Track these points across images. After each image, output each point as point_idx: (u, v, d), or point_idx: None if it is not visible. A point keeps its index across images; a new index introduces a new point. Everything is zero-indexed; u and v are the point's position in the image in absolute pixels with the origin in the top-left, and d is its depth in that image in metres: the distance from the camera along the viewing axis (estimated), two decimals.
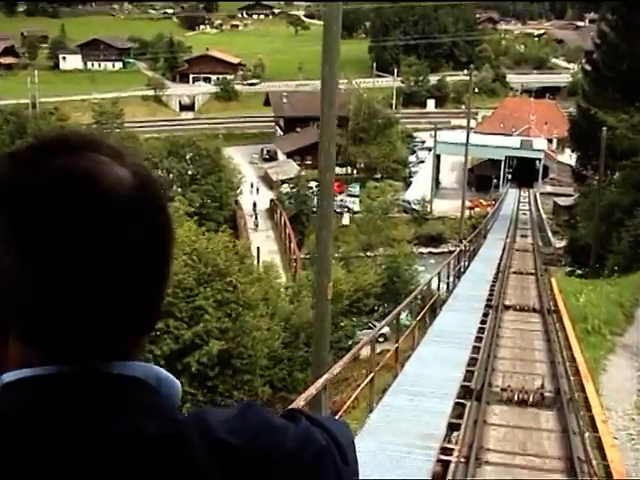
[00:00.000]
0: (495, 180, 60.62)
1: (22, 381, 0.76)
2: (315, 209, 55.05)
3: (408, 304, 15.82)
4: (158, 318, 0.85)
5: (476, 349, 12.65)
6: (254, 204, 52.30)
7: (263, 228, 49.73)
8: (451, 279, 19.78)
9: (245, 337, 19.63)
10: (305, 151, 66.44)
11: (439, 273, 18.34)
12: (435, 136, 60.28)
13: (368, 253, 40.82)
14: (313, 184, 58.78)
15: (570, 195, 53.72)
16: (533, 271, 23.34)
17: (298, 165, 62.67)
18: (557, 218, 49.87)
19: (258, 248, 39.45)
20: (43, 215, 0.74)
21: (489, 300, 17.31)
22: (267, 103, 76.44)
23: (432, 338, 13.41)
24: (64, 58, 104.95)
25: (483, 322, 14.87)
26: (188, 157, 50.23)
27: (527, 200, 54.38)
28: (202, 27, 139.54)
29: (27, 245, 0.75)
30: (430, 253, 50.62)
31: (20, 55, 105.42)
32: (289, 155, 66.30)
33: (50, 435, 0.73)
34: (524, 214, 47.36)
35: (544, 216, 45.11)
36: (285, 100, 73.24)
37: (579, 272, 27.48)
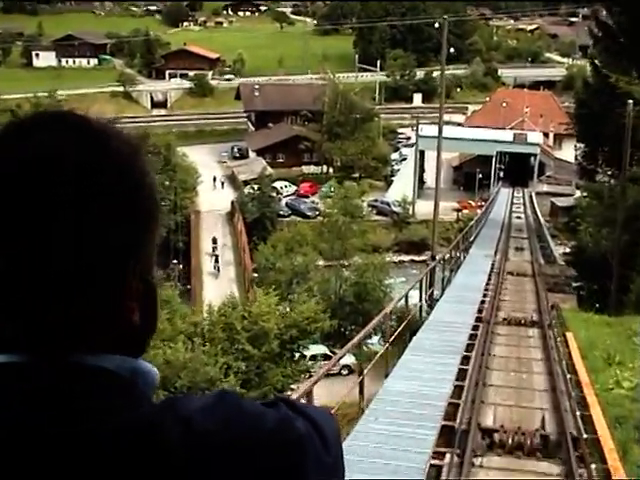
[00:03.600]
0: (480, 176, 54.19)
1: None
2: (280, 212, 49.40)
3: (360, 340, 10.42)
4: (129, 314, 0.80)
5: None
6: (214, 240, 42.65)
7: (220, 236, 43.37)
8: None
9: None
10: (277, 148, 60.84)
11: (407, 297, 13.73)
12: (417, 130, 53.56)
13: (333, 263, 34.41)
14: (278, 184, 52.82)
15: (569, 195, 48.08)
16: (536, 317, 14.60)
17: (268, 163, 56.76)
18: (555, 220, 44.65)
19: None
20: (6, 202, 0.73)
21: (449, 417, 8.40)
22: (238, 97, 70.31)
23: None
24: (37, 55, 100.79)
25: None
26: None
27: (521, 201, 47.76)
28: (185, 24, 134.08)
29: None
30: (412, 261, 45.27)
31: None
32: (259, 152, 60.47)
33: (21, 435, 0.71)
34: (518, 218, 39.95)
35: (542, 220, 38.32)
36: (257, 93, 67.14)
37: (592, 294, 21.28)
